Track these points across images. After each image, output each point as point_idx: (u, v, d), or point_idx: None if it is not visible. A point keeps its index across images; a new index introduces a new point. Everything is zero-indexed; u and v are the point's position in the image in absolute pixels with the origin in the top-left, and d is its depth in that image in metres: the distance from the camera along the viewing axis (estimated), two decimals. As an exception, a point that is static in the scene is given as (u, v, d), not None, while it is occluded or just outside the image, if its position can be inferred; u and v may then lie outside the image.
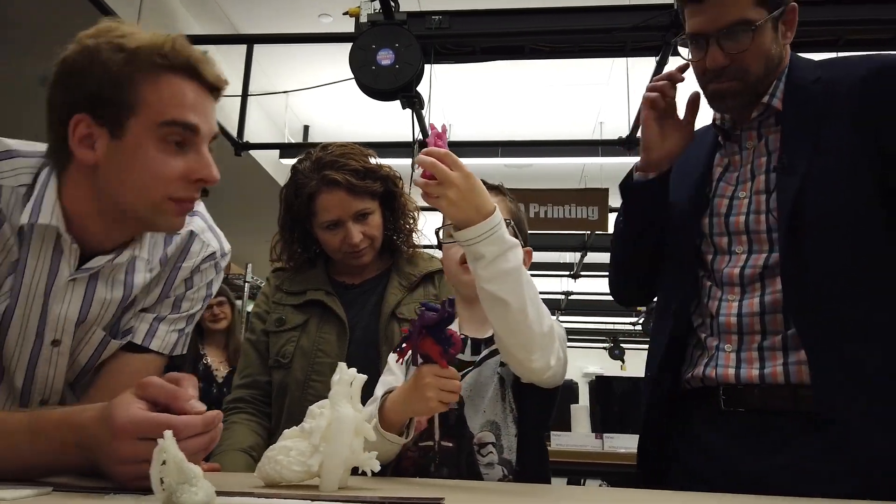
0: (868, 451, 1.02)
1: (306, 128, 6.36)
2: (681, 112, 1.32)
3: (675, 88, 1.30)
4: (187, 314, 1.15)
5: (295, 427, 0.92)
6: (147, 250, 1.08)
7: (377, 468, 0.89)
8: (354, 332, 1.50)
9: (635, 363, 10.15)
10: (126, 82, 0.93)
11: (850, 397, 1.04)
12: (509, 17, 3.31)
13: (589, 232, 6.85)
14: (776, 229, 1.15)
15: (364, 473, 0.89)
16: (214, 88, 1.01)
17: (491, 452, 1.11)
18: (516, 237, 1.21)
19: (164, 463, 0.66)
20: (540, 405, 1.16)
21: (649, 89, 1.31)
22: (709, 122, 1.35)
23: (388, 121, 4.66)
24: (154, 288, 1.12)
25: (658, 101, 1.29)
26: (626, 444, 3.70)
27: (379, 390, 1.18)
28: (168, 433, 0.66)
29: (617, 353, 13.21)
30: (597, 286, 10.48)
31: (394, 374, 1.24)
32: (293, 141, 6.18)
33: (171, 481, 0.65)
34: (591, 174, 6.65)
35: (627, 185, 1.36)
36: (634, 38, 3.33)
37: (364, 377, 0.92)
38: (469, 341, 1.21)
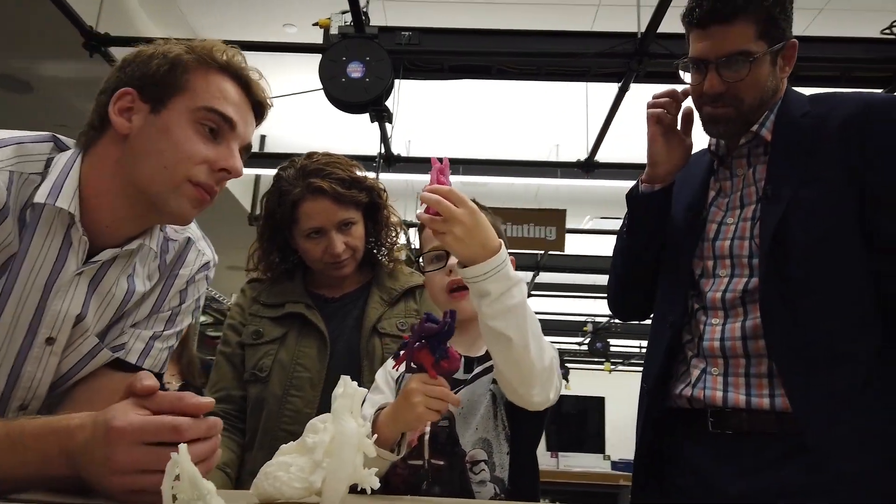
0: (846, 475, 1.05)
1: (263, 137, 6.26)
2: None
3: (677, 106, 1.34)
4: (177, 330, 1.11)
5: (293, 442, 0.89)
6: (157, 243, 1.05)
7: (377, 485, 0.87)
8: (335, 346, 1.47)
9: (580, 382, 10.28)
10: (180, 68, 0.97)
11: (828, 423, 1.07)
12: (479, 37, 3.35)
13: (542, 252, 6.95)
14: (757, 255, 1.19)
15: (363, 491, 0.87)
16: (258, 105, 1.05)
17: (483, 470, 1.10)
18: None
19: (177, 478, 0.63)
20: (532, 423, 1.16)
21: (651, 105, 1.35)
22: (704, 143, 1.40)
23: (345, 134, 4.63)
24: (149, 298, 1.07)
25: (664, 116, 1.33)
26: (581, 462, 3.74)
27: (367, 409, 1.16)
28: (183, 446, 0.63)
29: (562, 373, 13.36)
30: (547, 305, 10.62)
31: (382, 392, 1.22)
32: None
33: (185, 497, 0.62)
34: (545, 195, 6.76)
35: (635, 196, 1.39)
36: (598, 64, 3.41)
37: (365, 391, 0.90)
38: (462, 359, 1.20)
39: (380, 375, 1.24)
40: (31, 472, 0.77)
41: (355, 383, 0.89)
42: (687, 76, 1.28)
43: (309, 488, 0.83)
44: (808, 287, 1.14)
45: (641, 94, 4.03)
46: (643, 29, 3.13)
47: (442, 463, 1.09)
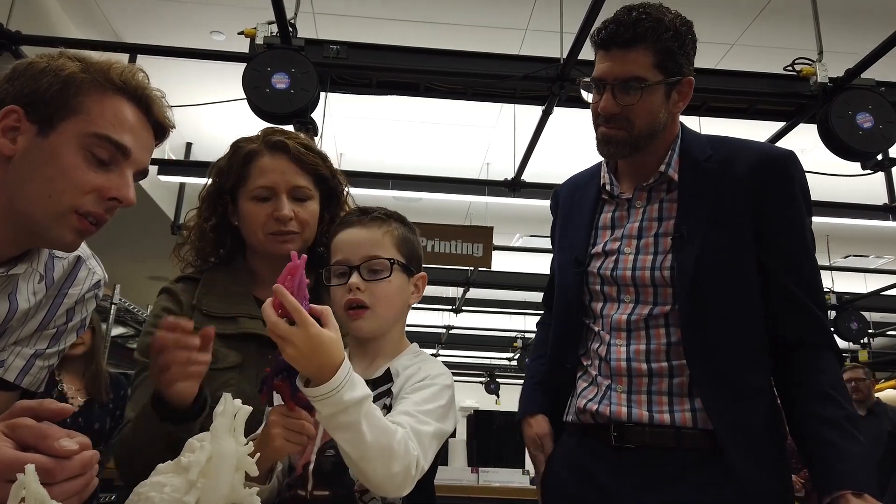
0: (750, 483, 1.16)
1: (189, 145, 6.10)
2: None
3: None
4: (60, 349, 1.07)
5: (169, 461, 0.87)
6: (43, 265, 1.00)
7: (258, 504, 0.85)
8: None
9: (510, 397, 10.38)
10: (73, 88, 0.91)
11: (736, 441, 1.18)
12: (408, 55, 3.38)
13: (472, 268, 7.01)
14: (660, 284, 1.26)
15: (243, 510, 0.85)
16: (159, 127, 1.00)
17: (374, 499, 1.08)
18: (405, 265, 1.22)
19: (22, 500, 0.61)
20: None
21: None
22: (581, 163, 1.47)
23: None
24: (35, 315, 1.02)
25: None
26: (501, 477, 3.77)
27: None
28: (30, 467, 0.61)
29: (493, 388, 13.48)
30: (476, 321, 10.72)
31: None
32: (174, 158, 5.90)
33: (32, 521, 0.60)
34: (476, 212, 6.84)
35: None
36: (524, 86, 3.49)
37: (249, 409, 0.88)
38: None
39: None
40: None
41: (238, 401, 0.88)
42: (589, 96, 1.33)
43: (182, 509, 0.81)
44: (722, 323, 1.23)
45: (565, 118, 4.19)
46: (565, 55, 3.23)
47: (326, 493, 1.07)
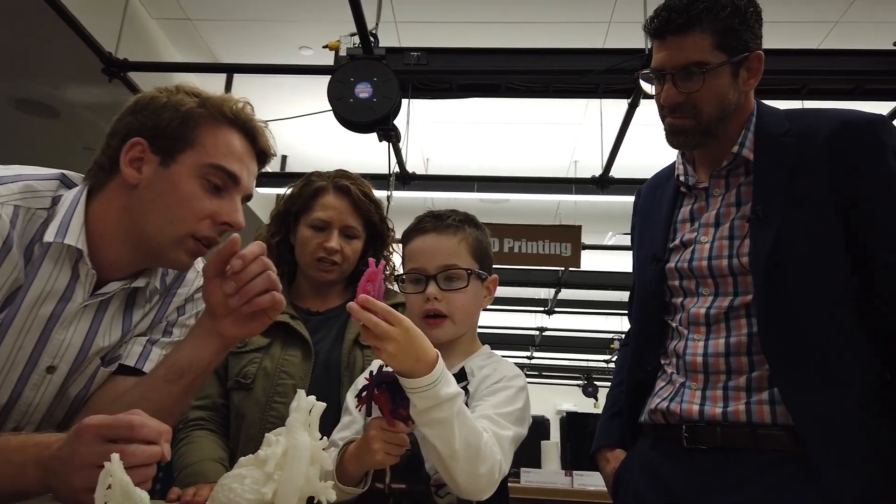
0: (832, 484, 1.05)
1: (284, 157, 6.37)
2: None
3: None
4: (173, 340, 1.15)
5: (251, 455, 0.91)
6: (159, 278, 1.11)
7: (333, 498, 0.88)
8: (318, 357, 1.50)
9: (608, 401, 10.11)
10: (191, 122, 1.02)
11: (818, 437, 1.07)
12: (486, 56, 3.39)
13: (563, 268, 6.91)
14: (739, 273, 1.19)
15: (319, 503, 0.88)
16: (262, 155, 1.11)
17: (449, 494, 1.09)
18: (480, 272, 1.23)
19: (108, 487, 0.65)
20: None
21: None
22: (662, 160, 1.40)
23: (365, 152, 4.69)
24: (147, 316, 1.12)
25: None
26: (595, 481, 3.68)
27: (337, 434, 1.18)
28: (115, 456, 0.66)
29: (590, 391, 13.21)
30: (571, 322, 10.53)
31: (350, 414, 1.22)
32: (271, 171, 6.19)
33: (117, 505, 0.64)
34: (566, 211, 6.73)
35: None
36: (607, 81, 3.42)
37: (323, 405, 0.91)
38: None
39: (349, 397, 1.25)
40: (6, 482, 0.81)
41: (312, 398, 0.91)
42: (652, 88, 1.28)
43: (261, 500, 0.85)
44: (803, 307, 1.14)
45: (653, 110, 4.04)
46: (650, 45, 3.13)
47: (403, 486, 1.09)
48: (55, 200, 1.00)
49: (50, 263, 0.98)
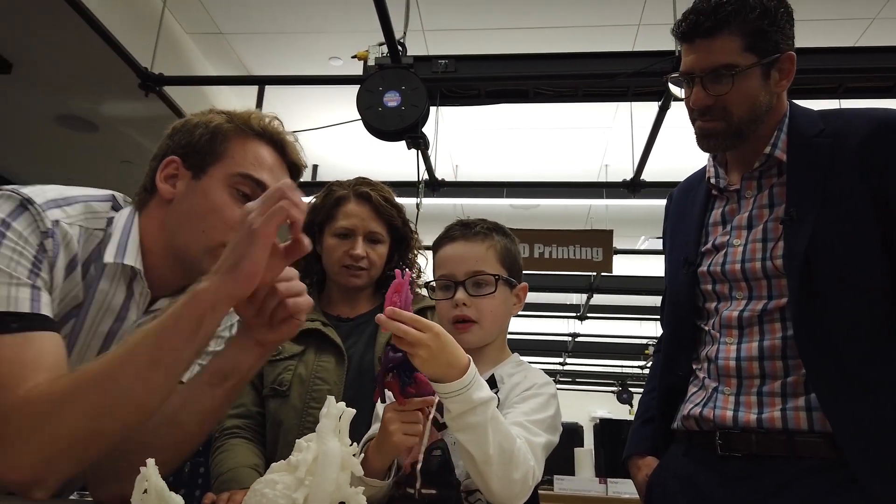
0: (875, 493, 1.03)
1: (315, 167, 6.44)
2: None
3: None
4: (209, 351, 1.17)
5: (282, 461, 0.92)
6: None
7: (363, 504, 0.88)
8: (351, 361, 1.52)
9: (643, 407, 9.96)
10: (220, 136, 1.06)
11: (858, 444, 1.05)
12: (514, 62, 3.39)
13: (595, 273, 6.85)
14: (773, 276, 1.17)
15: (350, 509, 0.89)
16: (293, 167, 1.14)
17: (479, 500, 1.09)
18: (508, 279, 1.23)
19: (144, 492, 0.67)
20: None
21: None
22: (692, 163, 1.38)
23: (395, 160, 4.72)
24: None
25: None
26: (630, 489, 3.63)
27: (364, 438, 1.18)
28: (151, 461, 0.67)
29: (625, 398, 13.04)
30: (604, 328, 10.42)
31: (380, 420, 1.23)
32: (302, 180, 6.26)
33: (152, 510, 0.66)
34: (597, 216, 6.68)
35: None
36: (637, 84, 3.39)
37: (353, 411, 0.92)
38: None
39: (380, 405, 1.26)
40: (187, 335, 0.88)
41: (342, 404, 0.92)
42: (681, 92, 1.27)
43: (292, 505, 0.86)
44: (839, 310, 1.12)
45: (684, 112, 3.99)
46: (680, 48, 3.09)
47: (434, 492, 1.10)
48: (109, 222, 1.05)
49: (106, 282, 1.02)
